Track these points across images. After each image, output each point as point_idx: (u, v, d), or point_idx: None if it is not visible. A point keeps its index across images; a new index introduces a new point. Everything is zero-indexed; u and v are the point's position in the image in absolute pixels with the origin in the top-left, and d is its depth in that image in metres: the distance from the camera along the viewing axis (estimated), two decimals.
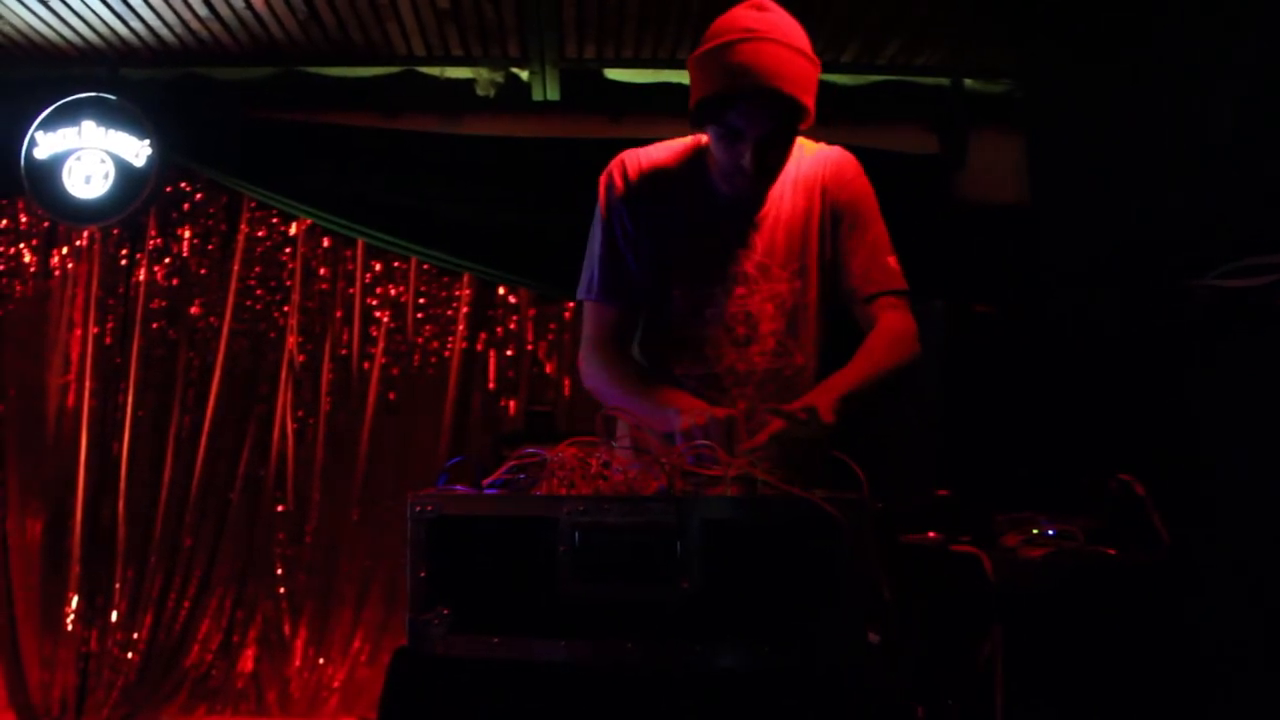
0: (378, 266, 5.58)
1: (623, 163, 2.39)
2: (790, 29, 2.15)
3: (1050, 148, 4.81)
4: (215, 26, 5.04)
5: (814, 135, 2.42)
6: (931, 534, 2.55)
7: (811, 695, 1.57)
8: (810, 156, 2.40)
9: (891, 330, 2.29)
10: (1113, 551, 2.38)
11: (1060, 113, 4.66)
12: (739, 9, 2.20)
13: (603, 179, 2.40)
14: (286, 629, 5.30)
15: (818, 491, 1.60)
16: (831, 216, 2.37)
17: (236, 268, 5.55)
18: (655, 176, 2.37)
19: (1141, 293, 3.72)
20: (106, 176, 5.36)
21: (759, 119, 2.14)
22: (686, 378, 2.32)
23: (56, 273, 5.60)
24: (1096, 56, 4.25)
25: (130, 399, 5.46)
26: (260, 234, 5.60)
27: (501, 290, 5.54)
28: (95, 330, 5.53)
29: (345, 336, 5.55)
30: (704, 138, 2.33)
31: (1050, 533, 2.46)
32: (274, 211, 5.58)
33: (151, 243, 5.57)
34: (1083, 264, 4.29)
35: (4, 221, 5.64)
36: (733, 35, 2.13)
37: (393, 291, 5.57)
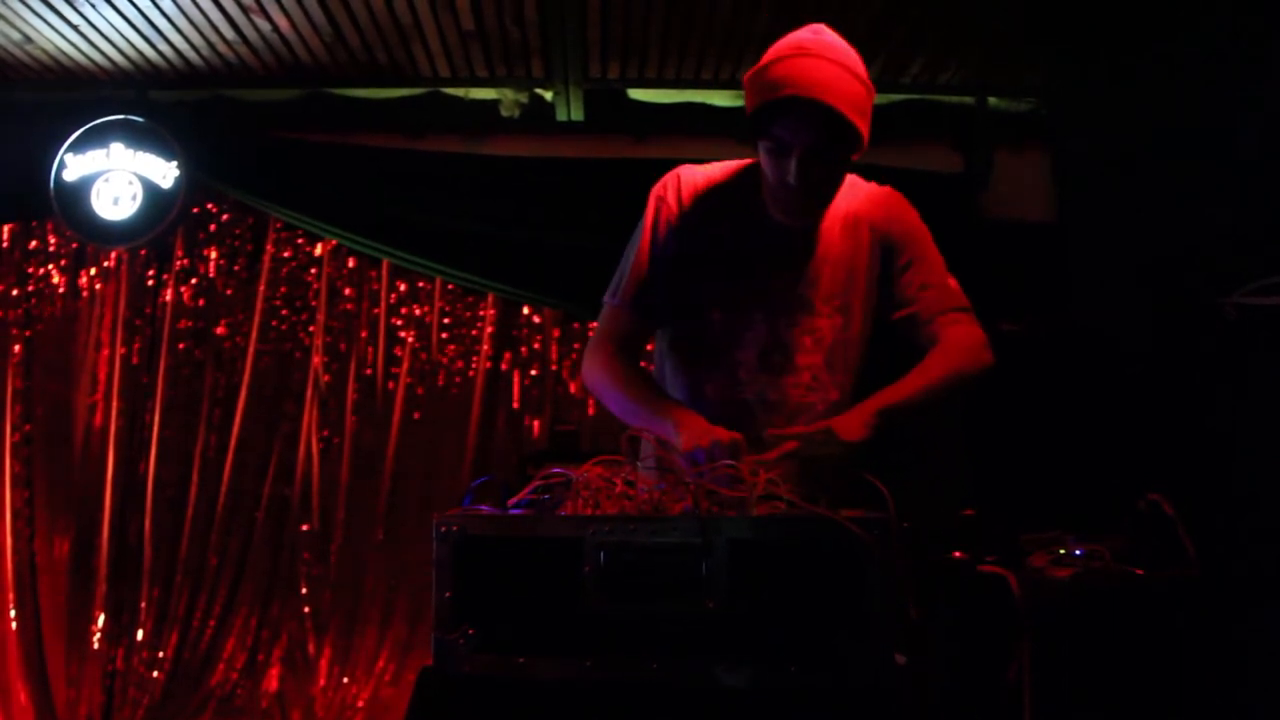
0: (402, 286, 5.60)
1: (678, 178, 2.41)
2: (844, 51, 2.17)
3: (1077, 165, 4.80)
4: (242, 49, 5.08)
5: None
6: (957, 554, 2.53)
7: (838, 715, 1.56)
8: (861, 195, 2.41)
9: (951, 342, 2.29)
10: (1140, 571, 2.36)
11: (1087, 130, 4.65)
12: (796, 31, 2.21)
13: (655, 190, 2.41)
14: (311, 648, 5.30)
15: (844, 511, 1.60)
16: (881, 253, 2.37)
17: (262, 288, 5.58)
18: (708, 197, 2.38)
19: (1169, 310, 3.70)
20: (134, 198, 5.40)
21: (803, 131, 2.14)
22: (716, 399, 2.32)
23: (85, 293, 5.65)
24: (1122, 73, 4.24)
25: (157, 418, 5.49)
26: (286, 254, 5.63)
27: (526, 310, 5.55)
28: (123, 350, 5.57)
29: (370, 356, 5.57)
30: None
31: (1077, 552, 2.44)
32: (299, 232, 5.61)
33: (178, 263, 5.61)
34: (1110, 281, 4.27)
35: (33, 243, 5.69)
36: (786, 52, 2.15)
37: (417, 311, 5.58)
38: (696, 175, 2.41)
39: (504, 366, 5.54)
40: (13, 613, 5.36)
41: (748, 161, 2.41)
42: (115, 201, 5.40)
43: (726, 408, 2.29)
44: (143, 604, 5.34)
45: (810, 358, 2.32)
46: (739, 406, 2.30)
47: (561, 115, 5.57)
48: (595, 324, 5.47)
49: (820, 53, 2.13)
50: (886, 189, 2.45)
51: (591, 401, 5.46)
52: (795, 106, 2.10)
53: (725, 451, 1.96)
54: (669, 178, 2.42)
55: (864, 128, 2.16)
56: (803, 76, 2.09)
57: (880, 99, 5.68)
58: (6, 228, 5.70)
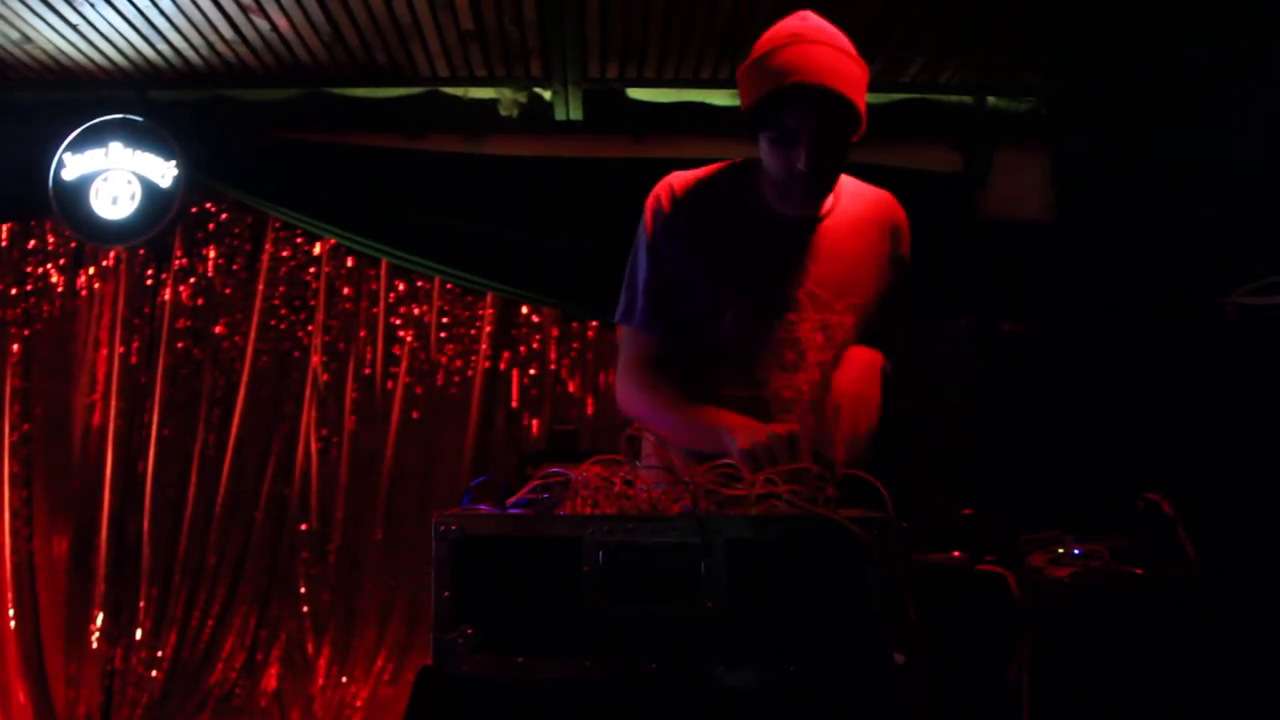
0: (401, 286, 5.60)
1: (670, 185, 2.37)
2: (837, 34, 2.20)
3: (1076, 165, 4.80)
4: (241, 48, 5.08)
5: None
6: (957, 553, 2.53)
7: (837, 715, 1.56)
8: (866, 198, 2.42)
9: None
10: (1139, 571, 2.36)
11: (1087, 130, 4.65)
12: (784, 20, 2.22)
13: (649, 202, 2.38)
14: (310, 647, 5.30)
15: (843, 511, 1.60)
16: (888, 261, 2.40)
17: (261, 287, 5.58)
18: (706, 196, 2.36)
19: (1169, 309, 3.71)
20: (133, 197, 5.40)
21: (812, 117, 2.14)
22: (734, 398, 2.29)
23: (83, 293, 5.65)
24: (1122, 73, 4.24)
25: (155, 418, 5.49)
26: (285, 254, 5.62)
27: (525, 309, 5.55)
28: (121, 350, 5.57)
29: (369, 355, 5.57)
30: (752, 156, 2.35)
31: (1076, 552, 2.44)
32: (298, 231, 5.60)
33: (177, 263, 5.61)
34: (1109, 281, 4.27)
35: (32, 242, 5.69)
36: (781, 41, 2.16)
37: (416, 311, 5.58)
38: (689, 177, 2.38)
39: (503, 366, 5.54)
40: (11, 612, 5.36)
41: (735, 161, 2.40)
42: (114, 201, 5.40)
43: (745, 405, 2.27)
44: (141, 603, 5.34)
45: (823, 354, 2.31)
46: (756, 405, 2.28)
47: (560, 115, 5.57)
48: (595, 323, 5.48)
49: (816, 38, 2.15)
50: (890, 196, 2.45)
51: (590, 401, 5.46)
52: (801, 93, 2.11)
53: (784, 445, 1.97)
54: (660, 187, 2.38)
55: (864, 110, 2.18)
56: (805, 63, 2.10)
57: (880, 98, 5.70)
58: (5, 227, 5.70)
